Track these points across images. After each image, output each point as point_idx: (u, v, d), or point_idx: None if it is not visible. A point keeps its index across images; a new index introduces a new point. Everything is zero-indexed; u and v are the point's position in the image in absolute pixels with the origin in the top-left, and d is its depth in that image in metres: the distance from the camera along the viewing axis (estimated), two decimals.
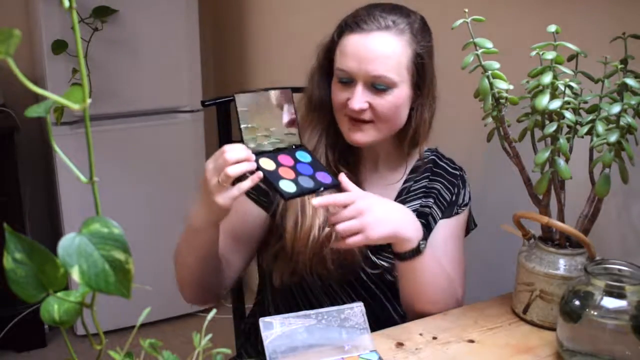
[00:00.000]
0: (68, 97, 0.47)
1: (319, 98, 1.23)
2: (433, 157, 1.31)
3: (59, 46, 2.18)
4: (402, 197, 1.28)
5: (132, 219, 2.46)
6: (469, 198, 1.32)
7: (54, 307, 0.54)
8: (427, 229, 1.26)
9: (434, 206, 1.27)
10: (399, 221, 1.10)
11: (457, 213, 1.29)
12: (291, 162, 1.10)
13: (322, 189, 1.07)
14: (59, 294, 0.50)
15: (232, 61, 2.91)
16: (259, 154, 1.06)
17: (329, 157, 1.22)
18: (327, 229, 1.16)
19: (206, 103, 1.52)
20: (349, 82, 1.15)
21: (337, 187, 1.09)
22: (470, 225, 1.36)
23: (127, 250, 0.47)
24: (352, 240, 1.05)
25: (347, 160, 1.24)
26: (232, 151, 1.01)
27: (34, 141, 2.69)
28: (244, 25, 2.75)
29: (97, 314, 0.52)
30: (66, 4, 0.44)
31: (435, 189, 1.28)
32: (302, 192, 1.06)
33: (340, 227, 1.04)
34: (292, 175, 1.08)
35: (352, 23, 1.16)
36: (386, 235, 1.08)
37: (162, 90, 2.48)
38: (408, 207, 1.25)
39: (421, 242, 1.12)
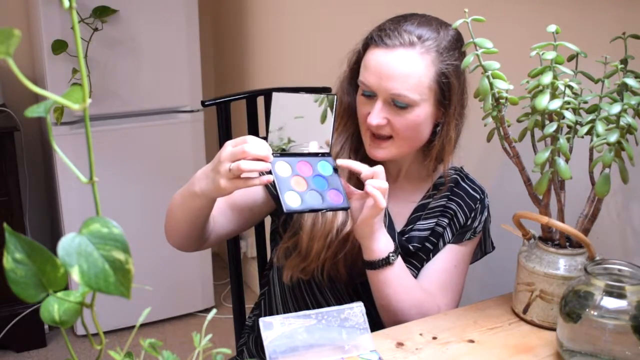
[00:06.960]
0: (68, 97, 0.47)
1: (348, 104, 1.22)
2: (456, 176, 1.27)
3: (59, 46, 2.19)
4: (419, 213, 1.26)
5: (132, 219, 2.46)
6: (486, 221, 1.29)
7: (54, 307, 0.54)
8: (435, 249, 1.25)
9: (447, 227, 1.25)
10: (379, 229, 1.11)
11: (468, 239, 1.27)
12: (309, 172, 1.08)
13: (326, 209, 1.06)
14: (59, 294, 0.50)
15: (232, 61, 2.91)
16: (281, 154, 1.05)
17: None
18: (344, 232, 1.15)
19: (206, 103, 1.52)
20: (371, 95, 1.14)
21: (345, 210, 1.08)
22: (487, 248, 1.34)
23: (127, 250, 0.47)
24: (374, 192, 1.06)
25: None
26: (254, 145, 0.99)
27: (34, 141, 2.69)
28: (244, 25, 2.75)
29: (97, 314, 0.52)
30: (66, 4, 0.44)
31: (452, 209, 1.25)
32: (304, 210, 1.04)
33: (376, 183, 1.06)
34: (303, 187, 1.05)
35: (377, 37, 1.13)
36: (372, 225, 1.09)
37: (162, 90, 2.48)
38: (423, 224, 1.25)
39: (391, 254, 1.12)
